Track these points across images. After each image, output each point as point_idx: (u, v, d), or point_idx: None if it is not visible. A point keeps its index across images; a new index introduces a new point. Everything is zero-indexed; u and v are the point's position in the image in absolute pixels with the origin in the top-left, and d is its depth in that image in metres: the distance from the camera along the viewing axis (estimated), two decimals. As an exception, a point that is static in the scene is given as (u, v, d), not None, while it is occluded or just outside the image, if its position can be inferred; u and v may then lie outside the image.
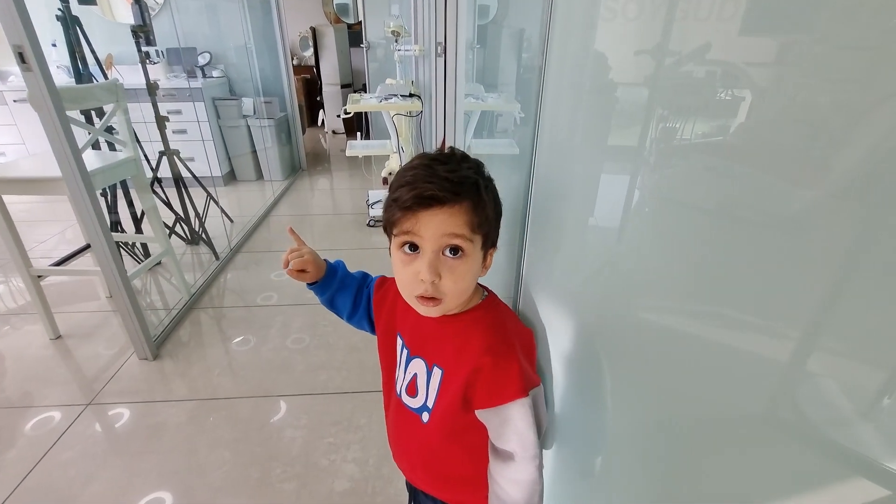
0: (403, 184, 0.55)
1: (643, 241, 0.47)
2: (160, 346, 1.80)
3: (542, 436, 0.64)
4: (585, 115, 0.59)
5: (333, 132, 5.94)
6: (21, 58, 1.23)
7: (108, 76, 2.25)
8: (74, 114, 1.57)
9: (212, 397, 1.55)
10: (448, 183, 0.53)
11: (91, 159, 1.71)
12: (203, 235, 2.61)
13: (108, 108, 1.81)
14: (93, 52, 2.12)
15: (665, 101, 0.42)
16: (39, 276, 1.79)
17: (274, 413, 1.49)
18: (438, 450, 0.68)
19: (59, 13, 1.95)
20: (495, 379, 0.57)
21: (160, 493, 1.23)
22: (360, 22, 4.31)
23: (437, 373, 0.64)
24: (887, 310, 0.24)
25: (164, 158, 2.42)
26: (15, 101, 3.31)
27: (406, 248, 0.57)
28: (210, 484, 1.25)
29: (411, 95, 2.60)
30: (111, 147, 2.09)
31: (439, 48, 1.22)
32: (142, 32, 2.22)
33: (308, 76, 5.74)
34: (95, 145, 2.07)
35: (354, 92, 4.22)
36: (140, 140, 2.10)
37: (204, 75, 3.65)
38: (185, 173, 2.53)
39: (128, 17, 3.41)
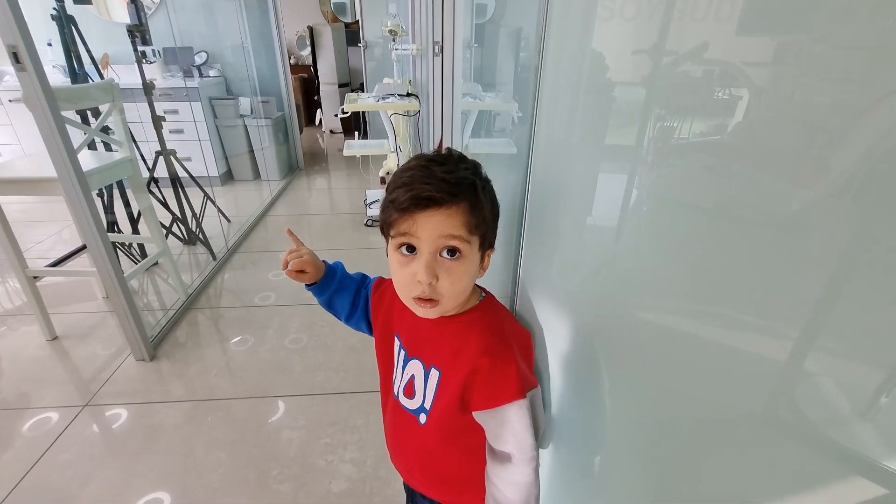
0: (400, 185, 0.55)
1: (641, 241, 0.47)
2: (157, 347, 1.79)
3: (540, 437, 0.64)
4: (582, 114, 0.59)
5: (331, 131, 5.93)
6: (15, 58, 1.22)
7: (104, 76, 2.24)
8: (70, 114, 1.56)
9: (209, 398, 1.55)
10: (445, 184, 0.53)
11: (87, 160, 1.70)
12: (200, 235, 2.60)
13: (103, 108, 1.81)
14: (88, 51, 2.11)
15: (662, 100, 0.42)
16: (35, 277, 1.79)
17: (271, 414, 1.49)
18: (436, 451, 0.68)
19: (55, 12, 1.94)
20: (493, 380, 0.57)
21: (158, 494, 1.22)
22: (358, 21, 4.30)
23: (434, 374, 0.63)
24: (885, 309, 0.23)
25: (161, 158, 2.41)
26: (10, 100, 3.29)
27: (403, 249, 0.56)
28: (208, 485, 1.25)
29: (409, 95, 2.59)
30: (107, 147, 2.08)
31: (436, 47, 1.22)
32: (138, 32, 2.21)
33: (305, 75, 5.73)
34: (91, 145, 2.06)
35: (352, 91, 4.21)
36: (136, 140, 2.09)
37: (200, 75, 3.64)
38: (181, 173, 2.52)
39: (124, 16, 3.40)
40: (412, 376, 0.66)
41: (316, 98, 5.65)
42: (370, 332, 0.76)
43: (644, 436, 0.47)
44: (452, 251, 0.55)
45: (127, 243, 2.38)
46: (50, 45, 3.05)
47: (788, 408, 0.30)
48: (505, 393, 0.57)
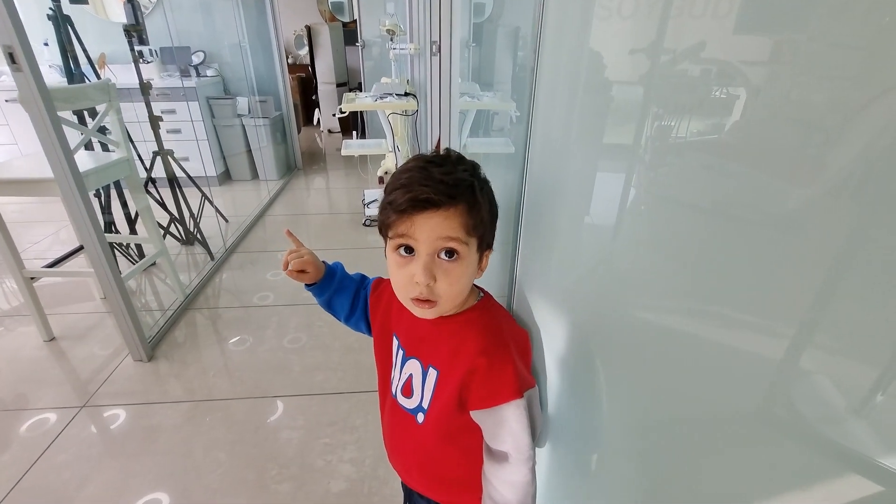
0: (398, 186, 0.55)
1: (638, 240, 0.47)
2: (155, 348, 1.79)
3: (537, 437, 0.64)
4: (579, 113, 0.59)
5: (329, 131, 5.92)
6: (11, 58, 1.21)
7: (101, 76, 2.23)
8: (66, 114, 1.56)
9: (207, 398, 1.54)
10: (443, 186, 0.53)
11: (84, 160, 1.70)
12: (198, 235, 2.59)
13: (100, 108, 1.80)
14: (85, 51, 2.10)
15: (660, 99, 0.42)
16: (33, 278, 1.78)
17: (270, 414, 1.49)
18: (433, 451, 0.68)
19: (51, 12, 1.93)
20: (490, 380, 0.57)
21: (156, 495, 1.22)
22: (356, 20, 4.30)
23: (432, 374, 0.63)
24: (881, 307, 0.24)
25: (158, 158, 2.40)
26: (7, 101, 3.27)
27: (401, 250, 0.57)
28: (206, 486, 1.24)
29: (407, 94, 2.59)
30: (104, 147, 2.08)
31: (434, 47, 1.22)
32: (135, 31, 2.20)
33: (303, 75, 5.72)
34: (88, 146, 2.05)
35: (350, 91, 4.21)
36: (134, 140, 2.08)
37: (198, 74, 3.63)
38: (179, 173, 2.52)
39: (120, 15, 3.38)
40: (410, 376, 0.67)
41: (314, 97, 5.64)
42: (369, 332, 0.76)
43: (641, 435, 0.47)
44: (450, 253, 0.55)
45: (124, 244, 2.38)
46: (46, 44, 3.05)
47: (785, 406, 0.30)
48: (502, 393, 0.57)
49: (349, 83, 5.57)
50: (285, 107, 4.14)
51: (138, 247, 2.43)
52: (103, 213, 2.21)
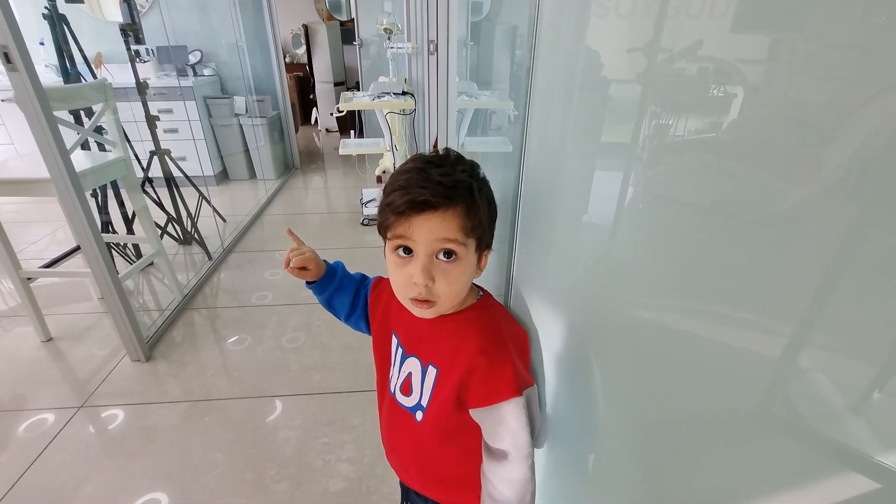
0: (397, 188, 0.55)
1: (635, 239, 0.47)
2: (153, 348, 1.79)
3: (536, 435, 0.65)
4: (576, 111, 0.59)
5: (327, 130, 5.91)
6: (6, 58, 1.21)
7: (97, 75, 2.22)
8: (62, 114, 1.55)
9: (206, 398, 1.54)
10: (441, 187, 0.53)
11: (80, 160, 1.69)
12: (195, 235, 2.59)
13: (97, 107, 1.79)
14: (81, 50, 2.09)
15: (657, 97, 0.42)
16: (30, 279, 1.77)
17: (268, 414, 1.49)
18: (431, 449, 0.68)
19: (46, 11, 1.92)
20: (489, 379, 0.57)
21: (154, 495, 1.22)
22: (353, 19, 4.28)
23: (431, 371, 0.64)
24: (877, 306, 0.24)
25: (155, 158, 2.39)
26: (2, 100, 3.26)
27: (400, 251, 0.57)
28: (205, 485, 1.24)
29: (404, 93, 2.59)
30: (101, 147, 2.07)
31: (431, 46, 1.22)
32: (131, 30, 2.19)
33: (301, 74, 5.71)
34: (85, 145, 2.05)
35: (347, 90, 4.20)
36: (130, 140, 2.07)
37: (195, 74, 3.61)
38: (176, 173, 2.51)
39: (116, 15, 3.37)
40: (409, 374, 0.67)
41: (311, 97, 5.63)
42: (369, 331, 0.77)
43: (639, 434, 0.47)
44: (448, 253, 0.55)
45: (122, 244, 2.37)
46: (42, 44, 3.03)
47: (783, 404, 0.30)
48: (501, 391, 0.57)
49: (347, 82, 5.56)
50: (283, 106, 4.13)
51: (136, 247, 2.43)
52: (100, 213, 2.20)
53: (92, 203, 1.99)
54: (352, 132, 4.81)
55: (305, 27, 5.19)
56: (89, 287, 2.17)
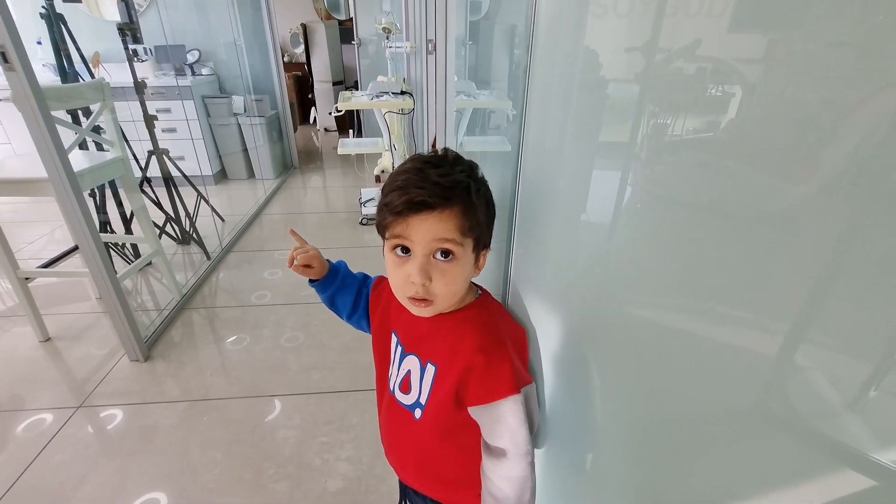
0: (395, 188, 0.55)
1: (633, 238, 0.47)
2: (151, 347, 1.78)
3: (534, 433, 0.65)
4: (574, 111, 0.59)
5: (325, 130, 5.90)
6: (3, 57, 1.20)
7: (95, 74, 2.22)
8: (60, 113, 1.55)
9: (204, 398, 1.54)
10: (439, 188, 0.53)
11: (78, 160, 1.69)
12: (194, 235, 2.58)
13: (94, 107, 1.79)
14: (78, 50, 2.08)
15: (655, 96, 0.42)
16: (27, 278, 1.77)
17: (267, 413, 1.49)
18: (430, 448, 0.68)
19: (43, 10, 1.91)
20: (488, 377, 0.58)
21: (153, 495, 1.22)
22: (352, 18, 4.28)
23: (430, 369, 0.64)
24: (875, 304, 0.24)
25: (154, 157, 2.39)
26: (0, 100, 3.25)
27: (398, 250, 0.57)
28: (203, 485, 1.24)
29: (403, 93, 2.59)
30: (99, 147, 2.06)
31: (430, 45, 1.22)
32: (129, 30, 2.19)
33: (299, 73, 5.70)
34: (83, 145, 2.04)
35: (346, 89, 4.20)
36: (128, 139, 2.07)
37: (193, 73, 3.61)
38: (174, 172, 2.51)
39: (114, 14, 3.36)
40: (408, 372, 0.67)
41: (310, 96, 5.63)
42: (370, 330, 0.77)
43: (637, 432, 0.47)
44: (445, 253, 0.56)
45: (120, 243, 2.37)
46: (39, 43, 3.02)
47: (780, 402, 0.30)
48: (500, 388, 0.57)
49: (345, 81, 5.55)
50: (281, 105, 4.12)
51: (134, 246, 2.42)
52: (98, 212, 2.19)
53: (90, 203, 1.98)
54: (350, 132, 4.81)
55: (304, 26, 5.18)
56: (87, 287, 2.17)
